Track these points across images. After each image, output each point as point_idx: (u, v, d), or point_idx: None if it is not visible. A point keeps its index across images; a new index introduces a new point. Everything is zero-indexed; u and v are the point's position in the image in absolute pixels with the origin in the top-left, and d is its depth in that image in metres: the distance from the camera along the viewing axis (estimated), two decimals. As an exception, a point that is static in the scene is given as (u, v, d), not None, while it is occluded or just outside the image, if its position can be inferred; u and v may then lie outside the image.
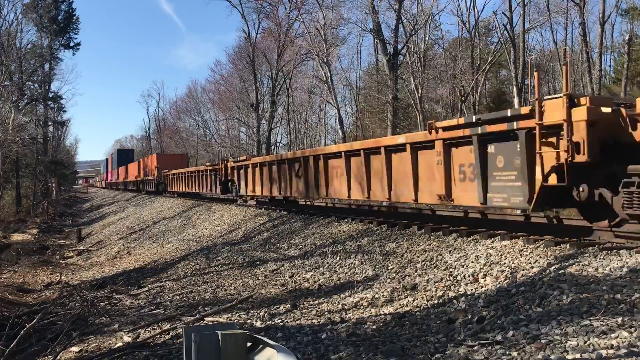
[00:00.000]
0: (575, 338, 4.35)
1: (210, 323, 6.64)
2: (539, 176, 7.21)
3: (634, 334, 4.21)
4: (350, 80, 42.24)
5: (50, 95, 49.17)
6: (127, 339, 6.67)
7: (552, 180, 7.10)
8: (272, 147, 44.75)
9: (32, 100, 45.67)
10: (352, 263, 9.01)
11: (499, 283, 6.32)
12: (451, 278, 6.99)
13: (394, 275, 7.83)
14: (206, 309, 7.69)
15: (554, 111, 6.94)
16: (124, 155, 73.95)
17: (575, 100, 6.83)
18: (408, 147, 9.97)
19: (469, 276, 6.85)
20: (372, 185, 11.35)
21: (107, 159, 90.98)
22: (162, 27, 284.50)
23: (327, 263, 9.46)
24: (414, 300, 6.59)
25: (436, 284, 6.94)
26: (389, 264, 8.37)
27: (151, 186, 41.04)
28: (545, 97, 7.22)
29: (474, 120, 8.48)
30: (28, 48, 44.88)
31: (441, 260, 7.83)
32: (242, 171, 19.78)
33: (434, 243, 8.73)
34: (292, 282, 8.95)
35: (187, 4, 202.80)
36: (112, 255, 18.09)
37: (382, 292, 7.20)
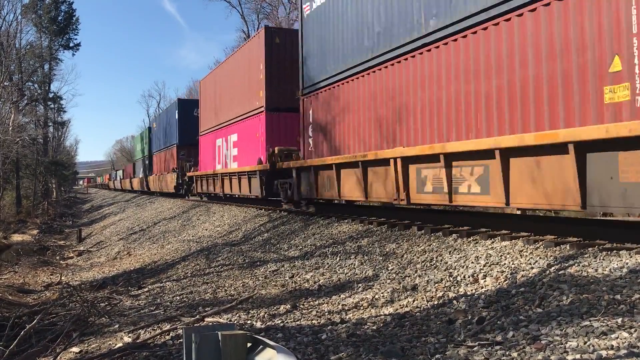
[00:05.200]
0: (575, 339, 4.35)
1: (210, 323, 6.64)
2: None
3: (634, 335, 4.21)
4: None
5: (50, 95, 49.21)
6: (127, 339, 6.67)
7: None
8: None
9: (32, 101, 45.70)
10: (352, 264, 9.01)
11: (499, 284, 6.33)
12: (451, 279, 6.99)
13: (394, 275, 7.84)
14: (206, 309, 7.70)
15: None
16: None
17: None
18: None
19: (469, 277, 6.85)
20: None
21: (162, 116, 40.42)
22: (164, 27, 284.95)
23: (327, 264, 9.46)
24: (414, 301, 6.59)
25: (436, 285, 6.94)
26: (389, 265, 8.37)
27: None
28: None
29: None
30: (27, 48, 44.94)
31: (441, 260, 7.84)
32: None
33: (434, 244, 8.73)
34: (292, 282, 8.95)
35: (190, 4, 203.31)
36: (112, 256, 18.10)
37: (382, 293, 7.21)
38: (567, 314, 4.90)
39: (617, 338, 4.21)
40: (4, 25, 39.42)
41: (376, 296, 7.14)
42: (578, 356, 4.06)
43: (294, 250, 11.20)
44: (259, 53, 17.90)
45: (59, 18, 49.26)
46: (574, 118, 6.89)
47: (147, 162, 44.91)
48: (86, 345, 6.91)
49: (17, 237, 25.40)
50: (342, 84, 12.94)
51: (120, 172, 76.87)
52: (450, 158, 9.02)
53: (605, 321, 4.54)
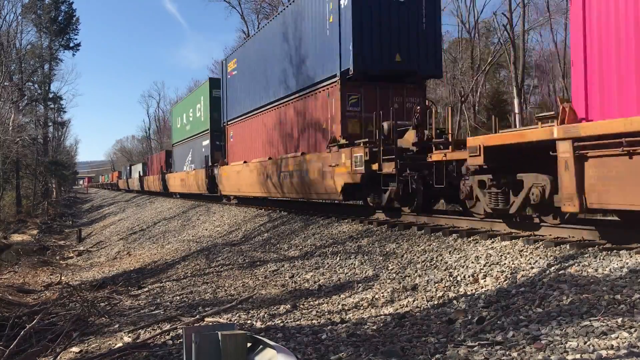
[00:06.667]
0: (575, 338, 4.35)
1: (210, 323, 6.64)
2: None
3: (634, 335, 4.21)
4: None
5: (50, 95, 49.24)
6: (127, 339, 6.67)
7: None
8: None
9: (32, 101, 45.75)
10: (352, 263, 9.01)
11: (499, 283, 6.32)
12: (451, 278, 6.99)
13: (394, 275, 7.83)
14: (206, 309, 7.69)
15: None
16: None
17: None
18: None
19: (469, 277, 6.85)
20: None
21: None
22: (165, 27, 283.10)
23: (327, 263, 9.46)
24: (414, 301, 6.59)
25: (436, 285, 6.94)
26: (389, 265, 8.37)
27: None
28: None
29: None
30: (28, 48, 44.99)
31: (441, 260, 7.84)
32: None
33: (434, 243, 8.73)
34: (292, 282, 8.95)
35: (191, 3, 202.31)
36: (112, 256, 18.10)
37: (382, 293, 7.21)
38: (567, 313, 4.90)
39: (617, 338, 4.21)
40: (4, 25, 39.51)
41: (376, 296, 7.14)
42: (578, 356, 4.06)
43: (294, 250, 11.20)
44: None
45: (59, 18, 49.32)
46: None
47: (205, 143, 24.87)
48: (86, 345, 6.90)
49: (17, 237, 25.41)
50: None
51: (139, 167, 51.87)
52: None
53: (606, 321, 4.54)
